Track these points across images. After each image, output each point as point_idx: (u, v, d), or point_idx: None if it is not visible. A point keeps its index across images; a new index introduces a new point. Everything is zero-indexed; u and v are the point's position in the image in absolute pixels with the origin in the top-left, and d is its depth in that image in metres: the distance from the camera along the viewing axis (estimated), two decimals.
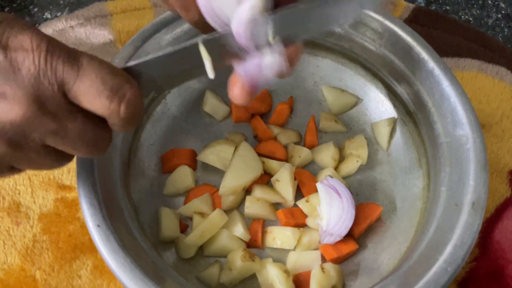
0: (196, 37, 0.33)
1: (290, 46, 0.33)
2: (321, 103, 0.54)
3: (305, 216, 0.47)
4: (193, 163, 0.50)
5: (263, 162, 0.49)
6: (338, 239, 0.45)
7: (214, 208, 0.47)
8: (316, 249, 0.46)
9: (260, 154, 0.49)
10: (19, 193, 0.50)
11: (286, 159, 0.50)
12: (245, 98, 0.34)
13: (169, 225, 0.46)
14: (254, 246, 0.46)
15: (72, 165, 0.51)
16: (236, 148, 0.49)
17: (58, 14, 0.65)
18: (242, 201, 0.48)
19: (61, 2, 0.66)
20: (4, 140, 0.29)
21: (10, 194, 0.50)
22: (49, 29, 0.60)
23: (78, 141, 0.31)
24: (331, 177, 0.46)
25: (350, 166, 0.50)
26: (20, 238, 0.48)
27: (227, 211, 0.48)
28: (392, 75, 0.50)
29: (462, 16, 0.68)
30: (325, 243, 0.45)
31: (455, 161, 0.44)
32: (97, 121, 0.31)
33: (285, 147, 0.51)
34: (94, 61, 0.30)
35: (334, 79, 0.54)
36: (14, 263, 0.47)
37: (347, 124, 0.53)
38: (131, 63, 0.33)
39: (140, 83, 0.32)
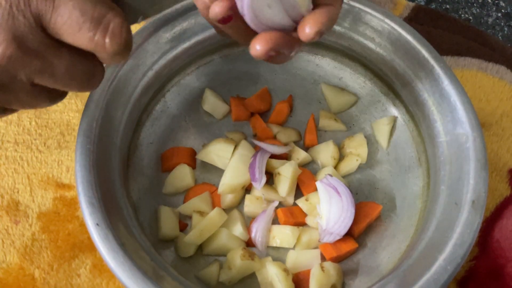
0: None
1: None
2: (321, 101, 0.54)
3: (305, 215, 0.47)
4: (193, 162, 0.50)
5: None
6: (338, 238, 0.45)
7: (213, 207, 0.47)
8: (316, 248, 0.46)
9: None
10: (18, 192, 0.50)
11: (287, 158, 0.50)
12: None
13: (168, 224, 0.46)
14: (253, 245, 0.46)
15: (71, 163, 0.51)
16: (235, 147, 0.49)
17: None
18: (242, 200, 0.48)
19: None
20: None
21: (9, 193, 0.50)
22: None
23: (67, 77, 0.29)
24: (331, 176, 0.46)
25: (350, 165, 0.50)
26: (19, 236, 0.48)
27: (227, 210, 0.47)
28: (392, 74, 0.50)
29: (462, 15, 0.68)
30: (324, 242, 0.45)
31: (455, 159, 0.43)
32: (85, 54, 0.29)
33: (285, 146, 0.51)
34: None
35: (333, 77, 0.54)
36: (13, 262, 0.47)
37: (346, 123, 0.53)
38: None
39: (124, 10, 0.30)
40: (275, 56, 0.32)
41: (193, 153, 0.50)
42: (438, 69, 0.46)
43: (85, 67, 0.29)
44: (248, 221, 0.48)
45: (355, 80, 0.54)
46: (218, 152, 0.49)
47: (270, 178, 0.50)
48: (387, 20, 0.48)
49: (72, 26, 0.27)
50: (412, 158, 0.50)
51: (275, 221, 0.48)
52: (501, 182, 0.53)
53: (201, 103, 0.53)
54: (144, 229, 0.45)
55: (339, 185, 0.45)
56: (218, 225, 0.45)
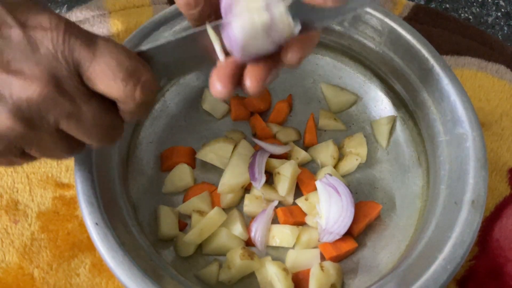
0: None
1: (308, 32, 0.32)
2: (320, 101, 0.54)
3: (304, 214, 0.47)
4: (192, 161, 0.50)
5: None
6: (337, 237, 0.45)
7: (213, 207, 0.47)
8: (315, 247, 0.46)
9: None
10: (17, 191, 0.50)
11: (286, 157, 0.50)
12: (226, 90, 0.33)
13: (168, 223, 0.46)
14: (253, 244, 0.46)
15: (71, 163, 0.51)
16: (235, 146, 0.49)
17: (57, 11, 0.65)
18: (241, 199, 0.48)
19: None
20: (19, 118, 0.29)
21: (8, 192, 0.50)
22: None
23: (91, 125, 0.31)
24: (331, 175, 0.46)
25: (350, 164, 0.50)
26: (18, 236, 0.48)
27: (226, 210, 0.47)
28: (391, 73, 0.50)
29: (462, 14, 0.68)
30: (324, 241, 0.45)
31: (454, 159, 0.43)
32: (111, 107, 0.31)
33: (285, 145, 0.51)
34: (110, 43, 0.30)
35: (333, 77, 0.54)
36: (12, 261, 0.47)
37: (346, 122, 0.53)
38: (144, 47, 0.33)
39: (152, 68, 0.32)
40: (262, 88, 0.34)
41: (192, 153, 0.50)
42: (437, 69, 0.46)
43: (109, 119, 0.31)
44: (247, 221, 0.47)
45: (355, 80, 0.54)
46: (218, 152, 0.49)
47: (270, 177, 0.50)
48: (386, 20, 0.48)
49: (108, 75, 0.29)
50: (411, 158, 0.50)
51: (274, 220, 0.48)
52: (501, 182, 0.53)
53: (200, 102, 0.53)
54: (143, 229, 0.45)
55: (339, 184, 0.45)
56: (218, 225, 0.45)
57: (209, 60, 0.34)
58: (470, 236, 0.39)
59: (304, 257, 0.45)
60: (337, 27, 0.50)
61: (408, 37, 0.47)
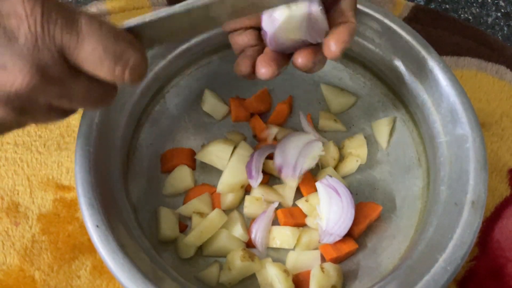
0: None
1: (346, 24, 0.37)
2: (320, 102, 0.54)
3: (305, 215, 0.47)
4: (192, 163, 0.50)
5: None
6: (338, 238, 0.45)
7: (213, 208, 0.47)
8: (316, 248, 0.46)
9: None
10: (18, 193, 0.50)
11: None
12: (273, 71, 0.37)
13: (168, 225, 0.46)
14: (253, 246, 0.46)
15: (71, 165, 0.51)
16: (235, 147, 0.49)
17: None
18: (242, 201, 0.48)
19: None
20: (10, 107, 0.28)
21: (9, 195, 0.50)
22: None
23: (83, 99, 0.30)
24: (331, 176, 0.46)
25: (350, 165, 0.50)
26: (19, 238, 0.48)
27: (227, 211, 0.47)
28: (391, 74, 0.50)
29: (462, 15, 0.68)
30: (324, 242, 0.45)
31: (454, 160, 0.43)
32: (101, 79, 0.31)
33: None
34: (94, 24, 0.28)
35: (333, 78, 0.54)
36: (13, 263, 0.47)
37: (346, 124, 0.53)
38: (131, 23, 0.31)
39: (141, 40, 0.31)
40: (311, 67, 0.39)
41: (192, 154, 0.50)
42: (437, 70, 0.46)
43: (101, 90, 0.31)
44: (248, 222, 0.47)
45: (355, 81, 0.54)
46: (217, 153, 0.49)
47: (270, 179, 0.50)
48: (386, 21, 0.48)
49: (94, 60, 0.28)
50: (412, 159, 0.50)
51: (275, 222, 0.48)
52: (501, 182, 0.53)
53: (200, 104, 0.53)
54: (144, 231, 0.45)
55: (339, 185, 0.45)
56: (218, 226, 0.45)
57: (199, 31, 0.34)
58: (471, 237, 0.39)
59: (304, 259, 0.45)
60: None
61: (408, 38, 0.47)
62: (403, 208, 0.48)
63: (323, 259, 0.45)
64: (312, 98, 0.54)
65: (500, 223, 0.50)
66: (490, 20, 0.67)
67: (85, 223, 0.39)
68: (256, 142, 0.52)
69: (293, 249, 0.46)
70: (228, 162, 0.48)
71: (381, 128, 0.51)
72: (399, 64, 0.48)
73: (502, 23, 0.67)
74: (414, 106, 0.49)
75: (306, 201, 0.47)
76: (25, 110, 0.29)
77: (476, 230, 0.40)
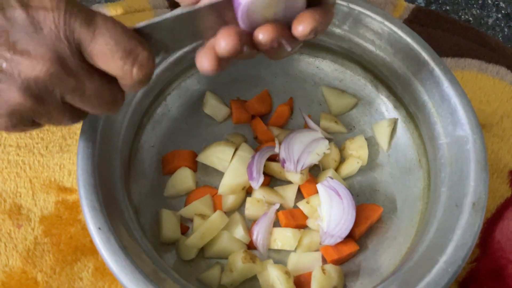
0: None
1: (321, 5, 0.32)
2: (321, 104, 0.54)
3: (306, 217, 0.47)
4: (194, 164, 0.50)
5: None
6: (339, 240, 0.45)
7: (214, 210, 0.48)
8: (317, 250, 0.46)
9: None
10: (20, 196, 0.50)
11: None
12: (213, 65, 0.33)
13: (169, 227, 0.46)
14: (254, 247, 0.47)
15: (73, 167, 0.52)
16: (236, 149, 0.49)
17: None
18: (243, 202, 0.48)
19: None
20: (29, 94, 0.31)
21: (11, 197, 0.50)
22: None
23: (94, 98, 0.33)
24: (332, 178, 0.46)
25: (351, 167, 0.50)
26: (21, 240, 0.48)
27: (228, 213, 0.48)
28: (392, 76, 0.50)
29: (462, 16, 0.68)
30: (325, 244, 0.45)
31: (455, 161, 0.44)
32: (112, 81, 0.33)
33: None
34: (109, 22, 0.31)
35: (334, 80, 0.54)
36: (16, 265, 0.47)
37: (347, 125, 0.53)
38: (141, 24, 0.33)
39: (149, 44, 0.33)
40: (276, 48, 0.33)
41: (194, 156, 0.50)
42: (438, 71, 0.46)
43: (111, 91, 0.33)
44: (249, 224, 0.48)
45: (356, 82, 0.54)
46: (219, 155, 0.49)
47: (271, 180, 0.50)
48: (387, 23, 0.48)
49: (106, 54, 0.31)
50: (412, 160, 0.50)
51: (276, 223, 0.48)
52: (502, 184, 0.53)
53: (202, 106, 0.53)
54: (145, 232, 0.45)
55: (340, 187, 0.45)
56: (220, 228, 0.45)
57: (206, 35, 0.34)
58: (471, 238, 0.39)
59: (305, 260, 0.45)
60: (338, 30, 0.50)
61: (408, 39, 0.47)
62: (403, 210, 0.48)
63: (324, 261, 0.45)
64: (313, 100, 0.54)
65: (501, 224, 0.50)
66: (490, 21, 0.67)
67: (87, 225, 0.39)
68: (257, 143, 0.52)
69: (294, 250, 0.46)
70: (229, 164, 0.48)
71: (382, 130, 0.51)
72: (399, 65, 0.49)
73: (502, 24, 0.67)
74: (414, 107, 0.49)
75: (307, 202, 0.47)
76: (41, 99, 0.31)
77: (477, 231, 0.40)
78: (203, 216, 0.46)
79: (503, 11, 0.68)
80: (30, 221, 0.49)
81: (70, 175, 0.51)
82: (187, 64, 0.52)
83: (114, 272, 0.38)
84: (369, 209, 0.47)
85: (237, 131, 0.53)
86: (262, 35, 0.32)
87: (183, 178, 0.49)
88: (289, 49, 0.34)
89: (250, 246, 0.46)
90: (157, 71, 0.49)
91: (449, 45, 0.60)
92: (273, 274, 0.44)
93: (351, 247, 0.45)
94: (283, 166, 0.48)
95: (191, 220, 0.47)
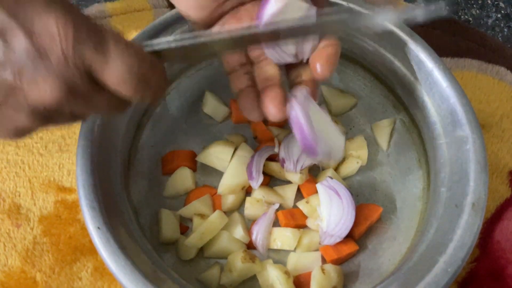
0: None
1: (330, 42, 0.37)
2: (321, 103, 0.54)
3: (305, 217, 0.47)
4: (193, 164, 0.50)
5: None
6: (338, 240, 0.45)
7: (214, 210, 0.48)
8: (317, 250, 0.46)
9: None
10: (19, 195, 0.50)
11: None
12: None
13: (169, 226, 0.46)
14: (254, 247, 0.46)
15: (72, 167, 0.52)
16: (235, 149, 0.49)
17: None
18: (242, 202, 0.48)
19: None
20: (37, 117, 0.30)
21: (10, 196, 0.50)
22: None
23: (104, 110, 0.32)
24: (331, 178, 0.46)
25: (350, 167, 0.50)
26: (20, 240, 0.48)
27: (227, 213, 0.48)
28: (391, 76, 0.50)
29: (462, 16, 0.68)
30: (325, 244, 0.45)
31: (455, 161, 0.44)
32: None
33: None
34: (121, 45, 0.30)
35: (333, 79, 0.54)
36: (15, 265, 0.47)
37: (347, 125, 0.53)
38: (157, 46, 0.33)
39: (161, 57, 0.33)
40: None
41: (193, 156, 0.50)
42: (437, 71, 0.46)
43: (119, 102, 0.33)
44: (248, 224, 0.48)
45: (355, 82, 0.54)
46: (218, 155, 0.49)
47: (271, 180, 0.50)
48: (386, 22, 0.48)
49: (118, 79, 0.30)
50: (412, 160, 0.50)
51: (275, 223, 0.48)
52: (502, 184, 0.53)
53: (201, 105, 0.53)
54: (145, 232, 0.45)
55: (340, 187, 0.45)
56: (219, 228, 0.45)
57: (218, 57, 0.35)
58: (471, 238, 0.39)
59: (305, 260, 0.45)
60: None
61: (408, 39, 0.47)
62: (403, 210, 0.48)
63: (323, 261, 0.45)
64: None
65: (500, 225, 0.50)
66: (490, 21, 0.67)
67: (87, 225, 0.39)
68: (256, 143, 0.52)
69: (294, 250, 0.46)
70: (229, 164, 0.48)
71: (382, 130, 0.51)
72: (399, 65, 0.49)
73: (502, 25, 0.67)
74: (414, 107, 0.49)
75: (307, 202, 0.47)
76: (50, 119, 0.31)
77: (476, 231, 0.40)
78: (203, 216, 0.46)
79: (502, 11, 0.68)
80: (29, 220, 0.49)
81: (69, 174, 0.51)
82: (187, 64, 0.52)
83: (113, 272, 0.38)
84: (369, 209, 0.47)
85: (237, 131, 0.53)
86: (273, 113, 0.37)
87: (183, 178, 0.49)
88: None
89: (250, 246, 0.46)
90: None
91: (448, 45, 0.60)
92: (272, 274, 0.44)
93: (351, 247, 0.45)
94: (282, 166, 0.48)
95: (191, 220, 0.47)
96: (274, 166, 0.49)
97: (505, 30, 0.67)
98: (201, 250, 0.46)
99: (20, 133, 0.32)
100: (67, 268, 0.47)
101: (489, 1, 0.69)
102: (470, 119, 0.44)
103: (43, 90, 0.29)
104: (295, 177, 0.47)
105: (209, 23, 0.38)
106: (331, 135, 0.39)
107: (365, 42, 0.50)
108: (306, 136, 0.37)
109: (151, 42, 0.33)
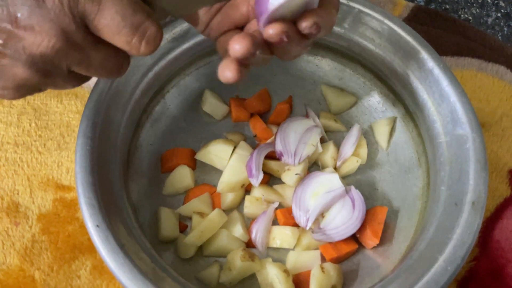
0: None
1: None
2: (321, 102, 0.54)
3: None
4: (193, 163, 0.50)
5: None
6: (328, 241, 0.45)
7: (213, 208, 0.47)
8: (316, 248, 0.46)
9: None
10: (18, 193, 0.50)
11: None
12: (237, 73, 0.34)
13: (168, 225, 0.46)
14: (253, 246, 0.46)
15: (71, 165, 0.51)
16: (235, 147, 0.49)
17: None
18: (242, 201, 0.48)
19: None
20: (35, 69, 0.30)
21: (9, 194, 0.50)
22: None
23: (100, 67, 0.32)
24: (355, 188, 0.46)
25: (350, 165, 0.50)
26: (19, 238, 0.48)
27: (227, 211, 0.47)
28: (391, 74, 0.50)
29: (462, 15, 0.68)
30: (316, 239, 0.45)
31: (454, 160, 0.43)
32: (117, 49, 0.32)
33: None
34: None
35: (333, 78, 0.54)
36: (13, 263, 0.47)
37: (346, 124, 0.53)
38: None
39: (155, 9, 0.33)
40: (286, 46, 0.34)
41: (193, 154, 0.50)
42: (437, 70, 0.46)
43: (117, 60, 0.33)
44: (248, 222, 0.47)
45: (355, 81, 0.54)
46: (217, 153, 0.49)
47: (270, 179, 0.50)
48: (386, 21, 0.48)
49: (113, 29, 0.30)
50: (412, 159, 0.50)
51: (275, 222, 0.48)
52: (501, 183, 0.53)
53: (201, 104, 0.53)
54: (144, 230, 0.45)
55: (359, 199, 0.45)
56: (218, 226, 0.45)
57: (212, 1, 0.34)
58: (471, 237, 0.39)
59: (304, 259, 0.45)
60: (337, 29, 0.50)
61: (408, 38, 0.47)
62: (403, 209, 0.48)
63: (323, 259, 0.45)
64: (312, 98, 0.54)
65: (500, 224, 0.50)
66: (490, 20, 0.67)
67: (85, 223, 0.39)
68: (256, 142, 0.52)
69: (293, 249, 0.46)
70: (228, 162, 0.48)
71: (381, 128, 0.51)
72: (399, 64, 0.48)
73: (502, 24, 0.67)
74: (414, 106, 0.49)
75: None
76: (48, 73, 0.31)
77: (476, 230, 0.40)
78: (202, 214, 0.46)
79: (502, 10, 0.68)
80: (27, 219, 0.49)
81: (68, 173, 0.51)
82: (186, 62, 0.52)
83: (112, 270, 0.38)
84: (375, 212, 0.46)
85: (236, 129, 0.52)
86: (272, 30, 0.33)
87: (182, 176, 0.49)
88: (299, 49, 0.35)
89: (249, 245, 0.46)
90: (156, 69, 0.49)
91: (448, 44, 0.60)
92: (272, 273, 0.44)
93: (350, 246, 0.45)
94: (280, 159, 0.47)
95: (190, 218, 0.47)
96: (273, 165, 0.49)
97: (505, 29, 0.67)
98: (200, 248, 0.46)
99: (20, 89, 0.31)
100: (65, 266, 0.47)
101: (489, 0, 0.69)
102: (470, 117, 0.44)
103: (40, 36, 0.29)
104: (291, 180, 0.47)
105: (207, 21, 0.37)
106: None
107: (365, 40, 0.50)
108: None
109: None
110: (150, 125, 0.51)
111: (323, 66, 0.54)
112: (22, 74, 0.30)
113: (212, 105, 0.52)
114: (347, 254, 0.46)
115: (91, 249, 0.47)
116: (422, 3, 0.68)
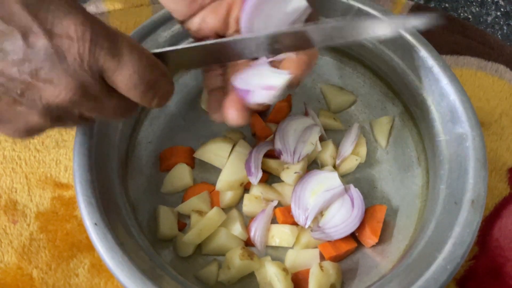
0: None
1: (308, 51, 0.36)
2: (320, 101, 0.54)
3: None
4: (191, 161, 0.50)
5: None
6: (327, 240, 0.45)
7: (212, 207, 0.47)
8: (315, 247, 0.46)
9: None
10: (16, 191, 0.50)
11: None
12: (242, 116, 0.37)
13: (167, 223, 0.46)
14: (252, 244, 0.46)
15: (69, 163, 0.51)
16: (233, 146, 0.49)
17: None
18: (241, 199, 0.48)
19: None
20: (49, 117, 0.32)
21: (6, 192, 0.50)
22: None
23: (111, 114, 0.34)
24: (354, 186, 0.46)
25: (349, 164, 0.50)
26: (16, 236, 0.48)
27: (226, 210, 0.47)
28: (391, 73, 0.50)
29: (461, 14, 0.68)
30: (314, 237, 0.45)
31: (454, 159, 0.43)
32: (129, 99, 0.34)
33: None
34: (134, 52, 0.31)
35: (333, 77, 0.54)
36: (11, 261, 0.47)
37: (346, 122, 0.53)
38: (167, 48, 0.35)
39: (169, 65, 0.35)
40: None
41: (191, 153, 0.50)
42: (437, 68, 0.46)
43: (127, 106, 0.34)
44: (247, 221, 0.47)
45: (354, 80, 0.53)
46: (216, 151, 0.49)
47: (269, 178, 0.50)
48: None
49: (130, 85, 0.32)
50: (411, 158, 0.50)
51: (274, 220, 0.47)
52: (501, 182, 0.53)
53: (199, 102, 0.53)
54: (142, 229, 0.45)
55: (358, 198, 0.45)
56: (217, 225, 0.45)
57: (223, 61, 0.37)
58: (470, 236, 0.39)
59: (303, 257, 0.45)
60: None
61: (408, 36, 0.47)
62: (402, 207, 0.48)
63: (322, 258, 0.45)
64: (312, 97, 0.54)
65: (499, 222, 0.50)
66: (489, 19, 0.67)
67: (84, 221, 0.39)
68: (255, 140, 0.52)
69: (292, 247, 0.46)
70: (227, 160, 0.48)
71: (381, 127, 0.51)
72: (398, 62, 0.48)
73: (501, 22, 0.67)
74: (413, 104, 0.49)
75: None
76: (60, 119, 0.32)
77: (475, 229, 0.39)
78: (201, 213, 0.46)
79: (502, 9, 0.68)
80: (25, 217, 0.49)
81: (66, 170, 0.51)
82: (193, 69, 0.51)
83: (111, 269, 0.37)
84: (374, 211, 0.46)
85: (235, 128, 0.52)
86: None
87: (181, 174, 0.49)
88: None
89: (248, 243, 0.46)
90: None
91: (448, 43, 0.60)
92: (270, 271, 0.43)
93: (349, 244, 0.45)
94: (279, 158, 0.47)
95: (189, 217, 0.47)
96: (272, 163, 0.49)
97: (505, 27, 0.66)
98: (199, 247, 0.46)
99: (30, 132, 0.33)
100: (63, 264, 0.47)
101: None
102: (469, 116, 0.44)
103: (58, 89, 0.30)
104: (290, 179, 0.47)
105: (188, 15, 0.38)
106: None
107: (364, 39, 0.49)
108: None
109: (159, 50, 0.35)
110: (149, 123, 0.51)
111: (323, 64, 0.54)
112: (35, 120, 0.32)
113: None
114: (346, 253, 0.45)
115: (89, 247, 0.47)
116: (421, 1, 0.68)
